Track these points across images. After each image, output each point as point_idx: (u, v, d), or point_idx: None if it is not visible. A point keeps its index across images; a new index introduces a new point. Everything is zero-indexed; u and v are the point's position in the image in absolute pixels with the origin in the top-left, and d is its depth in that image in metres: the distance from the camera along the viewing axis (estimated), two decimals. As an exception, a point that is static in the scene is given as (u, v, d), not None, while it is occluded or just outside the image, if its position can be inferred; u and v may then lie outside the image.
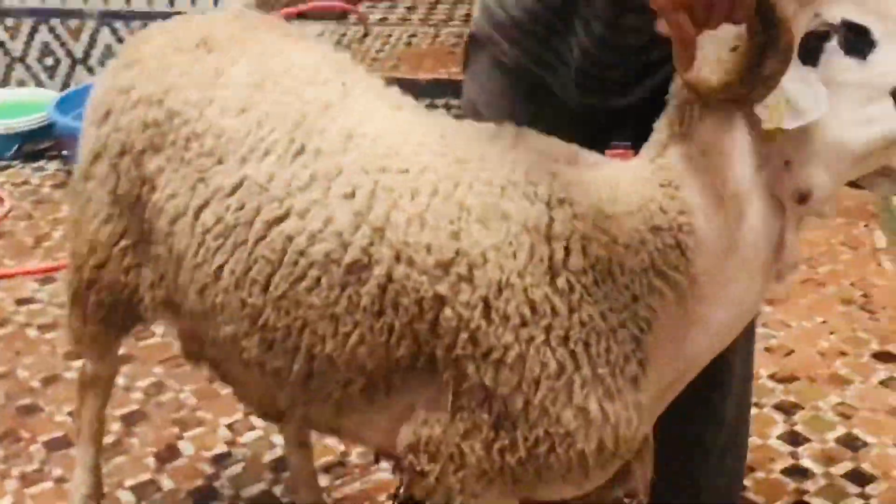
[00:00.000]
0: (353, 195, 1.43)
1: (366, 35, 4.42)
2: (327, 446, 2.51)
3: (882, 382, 2.68)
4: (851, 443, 2.48)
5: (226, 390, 2.71)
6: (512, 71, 1.76)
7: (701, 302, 1.38)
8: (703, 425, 1.91)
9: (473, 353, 1.38)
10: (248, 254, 1.49)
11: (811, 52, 1.30)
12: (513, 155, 1.44)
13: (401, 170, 1.43)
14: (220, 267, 1.52)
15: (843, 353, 2.79)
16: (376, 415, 1.52)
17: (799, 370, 2.72)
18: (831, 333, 2.86)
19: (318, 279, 1.43)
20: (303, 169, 1.47)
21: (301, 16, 4.41)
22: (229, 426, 2.59)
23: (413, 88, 4.05)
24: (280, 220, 1.47)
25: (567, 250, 1.37)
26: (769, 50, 1.22)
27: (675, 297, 1.37)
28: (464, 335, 1.38)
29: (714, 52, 1.29)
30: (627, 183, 1.40)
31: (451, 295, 1.37)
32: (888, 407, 2.59)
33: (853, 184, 1.44)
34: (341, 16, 4.57)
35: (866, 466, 2.41)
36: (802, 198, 1.34)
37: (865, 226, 3.37)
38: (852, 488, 2.34)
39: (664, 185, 1.38)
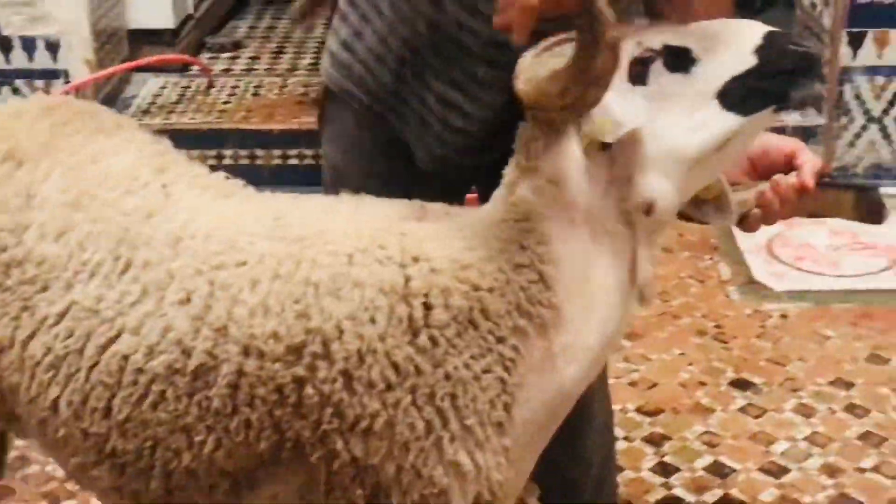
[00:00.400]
0: (188, 300, 1.39)
1: (210, 86, 4.38)
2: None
3: (741, 409, 2.80)
4: (719, 470, 2.58)
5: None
6: (369, 125, 1.73)
7: (565, 331, 1.40)
8: (573, 468, 1.95)
9: (340, 427, 1.36)
10: (84, 382, 1.42)
11: (638, 74, 1.37)
12: (355, 223, 1.43)
13: (238, 263, 1.40)
14: (56, 400, 1.45)
15: (702, 384, 2.90)
16: None
17: (663, 402, 2.82)
18: (690, 364, 2.98)
19: (163, 393, 1.39)
20: (132, 284, 1.42)
21: (143, 68, 4.34)
22: (101, 496, 2.51)
23: (266, 140, 4.07)
24: (112, 340, 1.41)
25: (427, 306, 1.37)
26: (597, 47, 1.26)
27: (538, 331, 1.38)
28: (328, 410, 1.36)
29: (538, 71, 1.35)
30: (484, 227, 1.42)
31: (309, 375, 1.35)
32: (749, 433, 2.71)
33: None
34: (184, 68, 4.51)
35: (734, 492, 2.51)
36: (648, 209, 1.39)
37: (710, 258, 3.52)
38: (725, 513, 2.45)
39: (519, 221, 1.40)
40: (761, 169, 1.54)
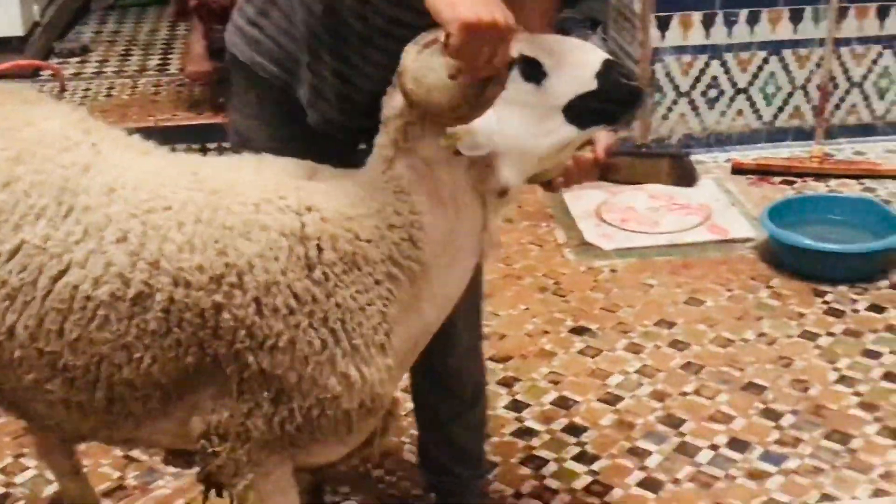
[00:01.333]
0: (125, 239, 1.65)
1: (63, 90, 4.50)
2: (103, 473, 2.66)
3: (580, 351, 3.15)
4: (564, 403, 2.92)
5: (-9, 437, 2.79)
6: (274, 94, 1.94)
7: (431, 282, 1.75)
8: (448, 379, 2.30)
9: (251, 345, 1.65)
10: (39, 308, 1.66)
11: None
12: (260, 178, 1.73)
13: (165, 208, 1.67)
14: (13, 326, 1.68)
15: (545, 332, 3.25)
16: (168, 422, 1.76)
17: (513, 350, 3.15)
18: (534, 317, 3.32)
19: (107, 317, 1.65)
20: (75, 226, 1.66)
21: (-6, 75, 4.43)
22: (1, 470, 2.68)
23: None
24: (63, 273, 1.66)
25: (319, 248, 1.67)
26: (493, 79, 1.58)
27: (408, 279, 1.72)
28: (242, 331, 1.64)
29: (427, 75, 1.60)
30: (365, 191, 1.73)
31: (226, 301, 1.63)
32: (588, 371, 3.06)
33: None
34: (35, 73, 4.62)
35: (578, 420, 2.86)
36: (502, 193, 1.74)
37: (547, 225, 3.88)
38: (570, 439, 2.79)
39: (397, 192, 1.72)
40: None
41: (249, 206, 1.66)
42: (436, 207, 1.73)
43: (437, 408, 2.32)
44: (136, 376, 1.67)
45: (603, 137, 1.91)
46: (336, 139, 1.95)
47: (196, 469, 1.84)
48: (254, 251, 1.64)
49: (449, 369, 2.27)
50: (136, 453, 2.74)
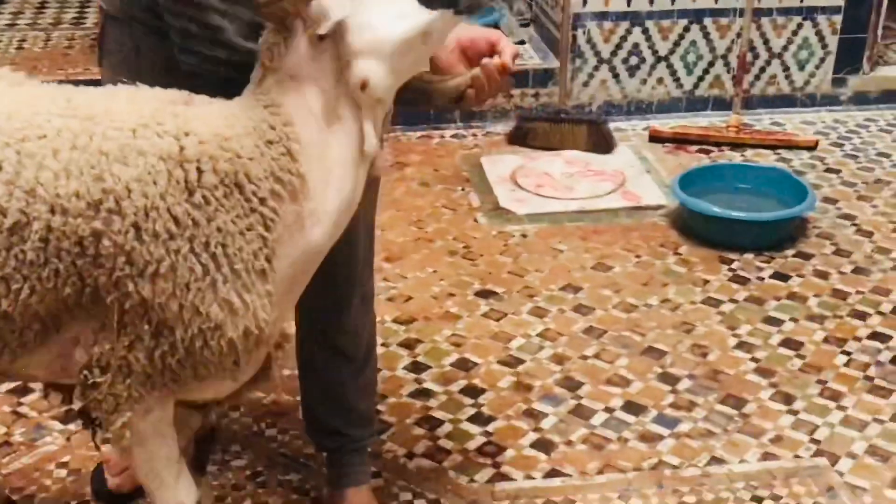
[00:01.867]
0: (0, 168, 1.61)
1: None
2: (-11, 430, 2.62)
3: (484, 315, 3.15)
4: (464, 365, 2.92)
5: None
6: (148, 44, 1.90)
7: (310, 198, 1.72)
8: (342, 338, 2.27)
9: (132, 273, 1.62)
10: None
11: None
12: (135, 104, 1.70)
13: (40, 136, 1.63)
14: None
15: (451, 295, 3.24)
16: (45, 354, 1.73)
17: (417, 312, 3.14)
18: (441, 280, 3.31)
19: None
20: None
21: None
22: None
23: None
24: None
25: (199, 170, 1.64)
26: None
27: (290, 196, 1.70)
28: (121, 258, 1.61)
29: None
30: (239, 111, 1.72)
31: (105, 228, 1.60)
32: (491, 333, 3.06)
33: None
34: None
35: (477, 381, 2.86)
36: (363, 85, 1.70)
37: (462, 190, 3.87)
38: (467, 400, 2.78)
39: (268, 107, 1.71)
40: (472, 56, 1.91)
41: (126, 131, 1.64)
42: (306, 116, 1.71)
43: (330, 371, 2.29)
44: (14, 308, 1.63)
45: (508, 46, 1.90)
46: (210, 80, 1.89)
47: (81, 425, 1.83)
48: (131, 176, 1.61)
49: (344, 328, 2.24)
50: (24, 409, 2.70)
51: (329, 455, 2.41)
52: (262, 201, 1.67)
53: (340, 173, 1.73)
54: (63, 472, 2.50)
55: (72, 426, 2.63)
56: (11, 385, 2.77)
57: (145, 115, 1.66)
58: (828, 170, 4.04)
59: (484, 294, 3.25)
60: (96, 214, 1.60)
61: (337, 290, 2.18)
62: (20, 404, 2.72)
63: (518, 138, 4.21)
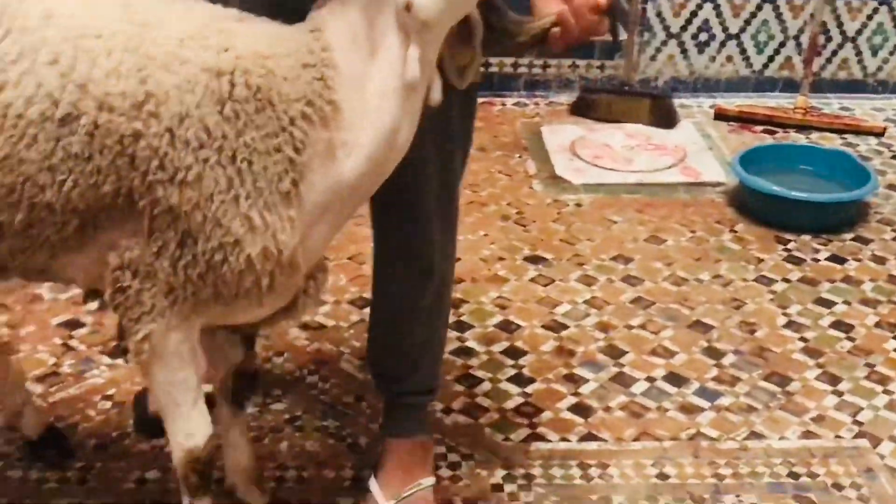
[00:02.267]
0: (57, 61, 1.68)
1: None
2: (39, 359, 2.68)
3: (532, 279, 3.14)
4: (507, 327, 2.92)
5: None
6: None
7: (344, 128, 1.72)
8: (413, 285, 2.21)
9: (162, 178, 1.67)
10: None
11: None
12: (187, 18, 1.75)
13: (96, 35, 1.70)
14: None
15: (501, 259, 3.23)
16: (84, 257, 1.78)
17: (465, 274, 3.14)
18: (491, 243, 3.31)
19: (36, 136, 1.67)
20: (12, 46, 1.69)
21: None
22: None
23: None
24: None
25: (232, 84, 1.67)
26: None
27: (321, 122, 1.70)
28: (154, 162, 1.66)
29: None
30: (287, 33, 1.74)
31: (143, 129, 1.66)
32: (537, 298, 3.06)
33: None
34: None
35: (519, 344, 2.86)
36: (408, 6, 1.67)
37: (519, 156, 3.86)
38: (508, 361, 2.79)
39: (312, 31, 1.73)
40: None
41: (174, 40, 1.69)
42: (349, 47, 1.71)
43: (396, 299, 2.24)
44: (57, 200, 1.69)
45: None
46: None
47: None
48: (172, 82, 1.66)
49: (413, 251, 2.18)
50: (74, 342, 2.76)
51: (384, 399, 2.38)
52: (292, 121, 1.69)
53: (379, 105, 1.72)
54: (107, 405, 2.56)
55: (119, 361, 2.69)
56: (63, 318, 2.85)
57: (194, 27, 1.71)
58: (895, 156, 3.95)
59: (533, 259, 3.24)
60: (137, 115, 1.66)
61: (407, 212, 2.14)
62: (70, 337, 2.79)
63: (581, 109, 4.18)
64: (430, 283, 2.22)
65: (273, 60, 1.69)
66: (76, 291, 2.92)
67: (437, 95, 1.77)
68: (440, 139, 2.07)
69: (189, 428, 1.86)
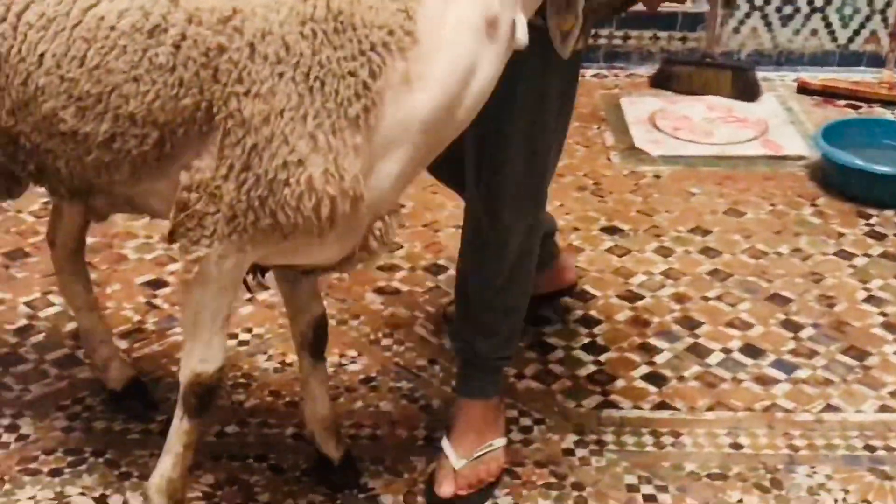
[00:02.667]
0: None
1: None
2: (124, 316, 2.76)
3: (608, 250, 3.14)
4: (582, 297, 2.91)
5: (22, 273, 2.91)
6: None
7: (421, 61, 1.73)
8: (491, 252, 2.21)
9: (238, 91, 1.71)
10: (68, 38, 1.78)
11: None
12: None
13: None
14: (43, 54, 1.80)
15: (576, 229, 3.23)
16: (161, 181, 1.84)
17: (540, 242, 3.15)
18: (567, 214, 3.30)
19: (125, 47, 1.75)
20: None
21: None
22: (28, 303, 2.79)
23: None
24: (94, 6, 1.78)
25: (314, 6, 1.71)
26: None
27: (399, 51, 1.72)
28: (234, 75, 1.71)
29: None
30: None
31: (228, 43, 1.71)
32: (612, 268, 3.05)
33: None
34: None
35: (593, 313, 2.86)
36: None
37: (598, 128, 3.85)
38: (582, 330, 2.79)
39: None
40: None
41: None
42: None
43: (482, 250, 2.25)
44: (139, 110, 1.76)
45: None
46: None
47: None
48: (260, 2, 1.73)
49: (498, 194, 2.17)
50: (158, 301, 2.83)
51: (459, 361, 2.39)
52: (372, 47, 1.71)
53: (454, 40, 1.73)
54: (188, 362, 2.63)
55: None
56: (147, 277, 2.92)
57: None
58: (984, 132, 3.86)
59: (609, 230, 3.24)
60: (223, 29, 1.71)
61: (487, 173, 2.16)
62: (154, 296, 2.86)
63: (661, 81, 4.15)
64: (505, 250, 2.22)
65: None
66: (160, 252, 3.01)
67: (522, 37, 1.76)
68: (534, 102, 2.08)
69: (206, 354, 1.90)
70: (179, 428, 1.97)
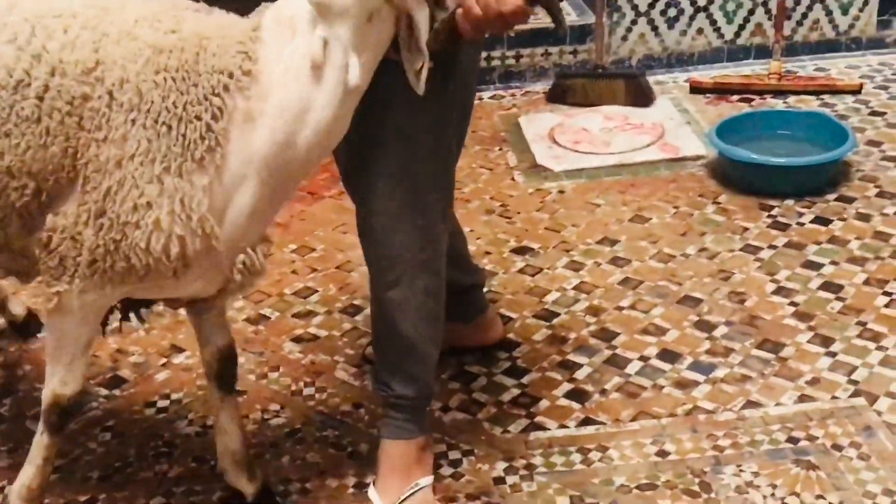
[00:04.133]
0: (15, 39, 1.86)
1: None
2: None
3: (520, 270, 3.16)
4: (500, 317, 2.93)
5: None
6: None
7: (261, 99, 1.84)
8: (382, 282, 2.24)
9: (98, 137, 1.83)
10: None
11: None
12: (148, 4, 1.92)
13: (55, 16, 1.88)
14: None
15: (487, 253, 3.25)
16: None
17: (453, 271, 3.15)
18: (478, 239, 3.32)
19: None
20: None
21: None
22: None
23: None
24: None
25: (169, 55, 1.82)
26: None
27: (238, 91, 1.83)
28: (96, 121, 1.83)
29: None
30: (231, 20, 1.91)
31: (91, 92, 1.82)
32: (526, 288, 3.07)
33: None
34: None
35: (511, 336, 2.87)
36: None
37: (499, 149, 3.88)
38: (502, 354, 2.80)
39: (254, 15, 1.88)
40: None
41: (130, 21, 1.87)
42: (277, 28, 1.84)
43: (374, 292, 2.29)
44: (13, 163, 1.85)
45: None
46: None
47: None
48: (120, 54, 1.83)
49: (373, 234, 2.20)
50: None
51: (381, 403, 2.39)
52: (213, 90, 1.81)
53: (283, 81, 1.82)
54: (107, 436, 2.58)
55: (116, 391, 2.70)
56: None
57: (150, 12, 1.88)
58: (872, 113, 3.97)
59: (520, 251, 3.26)
60: (87, 79, 1.82)
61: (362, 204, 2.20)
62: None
63: (557, 96, 4.20)
64: (397, 282, 2.20)
65: (209, 41, 1.83)
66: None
67: (353, 79, 1.82)
68: (401, 115, 2.08)
69: (66, 378, 2.05)
70: (40, 442, 2.14)
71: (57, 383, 2.05)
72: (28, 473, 2.16)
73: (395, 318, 2.24)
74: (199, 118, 1.81)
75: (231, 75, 1.82)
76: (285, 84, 1.82)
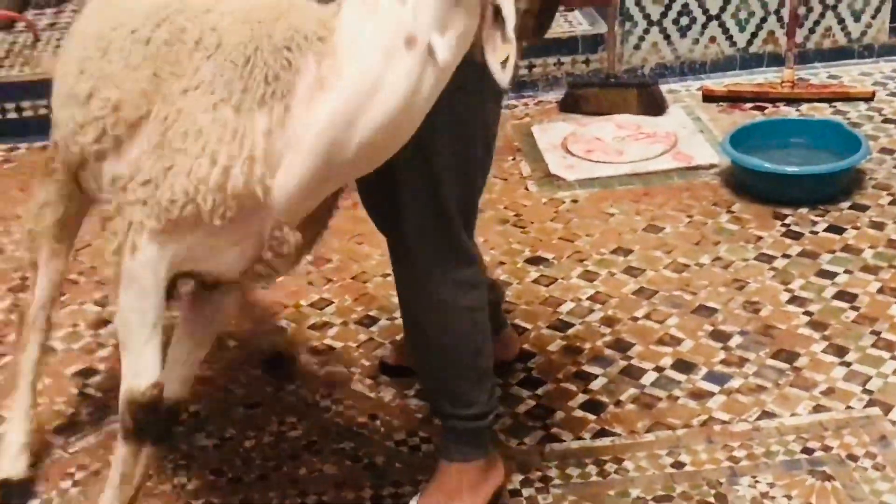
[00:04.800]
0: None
1: (37, 41, 4.53)
2: (57, 410, 2.72)
3: (534, 281, 3.17)
4: (514, 330, 2.94)
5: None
6: None
7: (334, 70, 1.77)
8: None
9: (177, 71, 1.86)
10: None
11: None
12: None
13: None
14: None
15: (501, 263, 3.26)
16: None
17: (467, 282, 3.17)
18: (491, 249, 3.33)
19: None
20: None
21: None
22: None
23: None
24: None
25: (258, 10, 1.85)
26: None
27: (313, 54, 1.79)
28: (183, 55, 1.86)
29: None
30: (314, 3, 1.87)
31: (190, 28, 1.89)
32: (541, 299, 3.08)
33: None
34: (8, 25, 4.65)
35: (526, 346, 2.88)
36: None
37: (513, 159, 3.89)
38: (517, 365, 2.81)
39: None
40: None
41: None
42: (358, 2, 1.77)
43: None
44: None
45: None
46: None
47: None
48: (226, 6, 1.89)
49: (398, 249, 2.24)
50: (90, 390, 2.80)
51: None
52: (286, 45, 1.79)
53: (365, 54, 1.74)
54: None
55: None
56: (77, 367, 2.88)
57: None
58: (885, 120, 3.97)
59: (534, 261, 3.27)
60: (194, 18, 1.88)
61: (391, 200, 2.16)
62: (86, 385, 2.83)
63: (569, 105, 4.21)
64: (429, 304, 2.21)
65: (293, 7, 1.83)
66: (87, 339, 2.98)
67: (441, 53, 1.72)
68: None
69: (138, 366, 1.89)
70: (117, 457, 1.96)
71: (131, 376, 1.89)
72: (106, 497, 2.00)
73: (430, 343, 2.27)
74: (266, 64, 1.78)
75: (306, 37, 1.78)
76: (363, 60, 1.75)
